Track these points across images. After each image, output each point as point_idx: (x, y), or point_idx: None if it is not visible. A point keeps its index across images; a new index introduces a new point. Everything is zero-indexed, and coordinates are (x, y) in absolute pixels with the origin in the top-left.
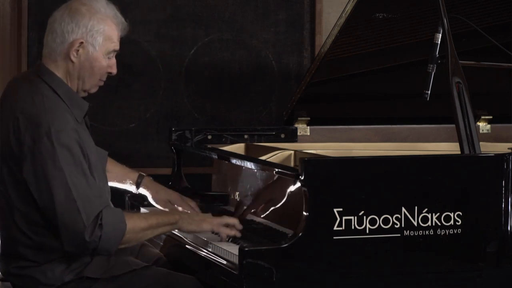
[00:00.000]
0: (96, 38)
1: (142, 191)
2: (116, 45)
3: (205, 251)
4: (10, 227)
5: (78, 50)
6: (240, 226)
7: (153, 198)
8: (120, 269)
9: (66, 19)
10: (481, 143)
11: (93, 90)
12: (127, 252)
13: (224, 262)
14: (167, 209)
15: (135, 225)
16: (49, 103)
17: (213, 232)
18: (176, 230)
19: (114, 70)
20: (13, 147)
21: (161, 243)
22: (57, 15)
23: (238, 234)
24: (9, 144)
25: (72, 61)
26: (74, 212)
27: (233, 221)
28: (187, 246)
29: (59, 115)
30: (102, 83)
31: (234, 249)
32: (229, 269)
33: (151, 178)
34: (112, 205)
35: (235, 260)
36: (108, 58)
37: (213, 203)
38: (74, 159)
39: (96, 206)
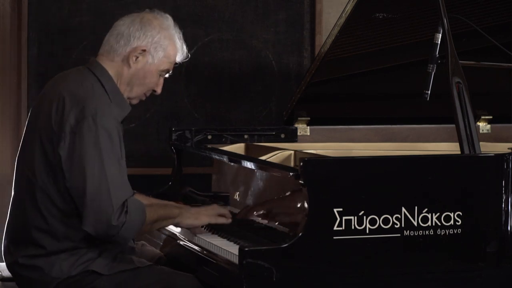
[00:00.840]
0: (158, 52)
1: None
2: (171, 66)
3: (205, 251)
4: (28, 210)
5: (138, 57)
6: (229, 215)
7: None
8: (124, 266)
9: (136, 25)
10: (481, 143)
11: (135, 102)
12: (132, 251)
13: (224, 262)
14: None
15: (149, 216)
16: (97, 93)
17: (202, 226)
18: (177, 230)
19: (159, 90)
20: (53, 125)
21: (161, 243)
22: (127, 20)
23: (229, 221)
24: (49, 123)
25: (129, 65)
26: (104, 193)
27: (224, 210)
28: (187, 245)
29: (105, 104)
30: (144, 98)
31: (234, 249)
32: (229, 269)
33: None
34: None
35: (235, 260)
36: (160, 75)
37: (213, 203)
38: (113, 144)
39: (125, 192)
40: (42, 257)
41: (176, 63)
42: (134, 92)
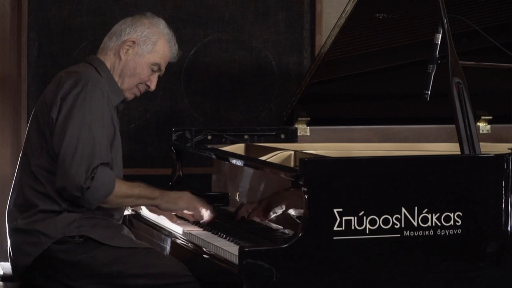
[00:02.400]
0: (147, 45)
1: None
2: (161, 61)
3: (205, 251)
4: (27, 176)
5: (128, 49)
6: (209, 219)
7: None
8: (124, 243)
9: (128, 23)
10: (481, 143)
11: (128, 95)
12: (121, 228)
13: (224, 262)
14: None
15: (120, 190)
16: (92, 73)
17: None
18: (177, 231)
19: (152, 86)
20: (47, 99)
21: (161, 243)
22: (121, 21)
23: (205, 222)
24: (43, 99)
25: (120, 57)
26: (78, 153)
27: (208, 214)
28: (187, 245)
29: (98, 81)
30: (138, 93)
31: (234, 249)
32: (229, 269)
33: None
34: (110, 168)
35: (235, 260)
36: (152, 70)
37: (213, 203)
38: (99, 112)
39: (98, 157)
40: (39, 221)
41: (169, 62)
42: (126, 84)
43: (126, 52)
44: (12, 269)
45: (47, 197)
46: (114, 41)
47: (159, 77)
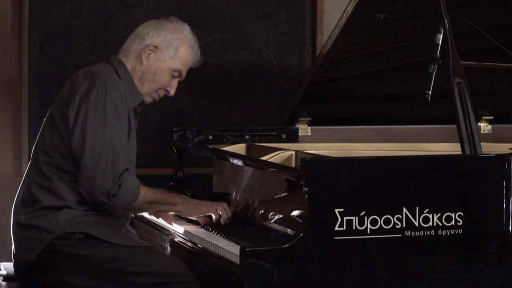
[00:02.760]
0: (170, 50)
1: None
2: (182, 67)
3: (206, 251)
4: (35, 172)
5: (150, 53)
6: (227, 215)
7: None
8: (124, 241)
9: (152, 27)
10: (482, 143)
11: (147, 99)
12: (125, 220)
13: (225, 262)
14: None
15: (145, 196)
16: (112, 74)
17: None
18: (178, 230)
19: (172, 91)
20: (65, 97)
21: (163, 243)
22: (145, 24)
23: (227, 222)
24: (61, 97)
25: (141, 61)
26: (103, 159)
27: (225, 212)
28: (188, 245)
29: (115, 80)
30: (157, 98)
31: (235, 249)
32: (230, 269)
33: None
34: (134, 173)
35: (236, 260)
36: (172, 76)
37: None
38: (118, 115)
39: (122, 163)
40: (41, 216)
41: (190, 68)
42: (145, 88)
43: (148, 57)
44: (15, 266)
45: (51, 193)
46: (136, 44)
47: (179, 82)
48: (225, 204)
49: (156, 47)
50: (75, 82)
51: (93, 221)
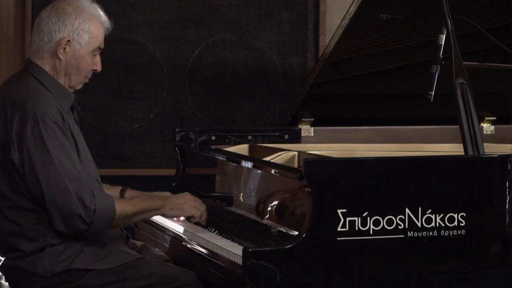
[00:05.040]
0: (82, 36)
1: None
2: (101, 43)
3: (209, 251)
4: (0, 222)
5: (65, 48)
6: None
7: None
8: (111, 262)
9: (53, 19)
10: (484, 144)
11: (79, 87)
12: (120, 240)
13: (228, 262)
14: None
15: (124, 211)
16: (34, 90)
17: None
18: (181, 231)
19: (98, 67)
20: (1, 134)
21: (165, 244)
22: (44, 15)
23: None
24: (0, 137)
25: (59, 59)
26: (64, 192)
27: (203, 214)
28: (190, 246)
29: (44, 99)
30: (87, 80)
31: (238, 249)
32: (233, 270)
33: (132, 189)
34: (103, 190)
35: (239, 260)
36: (93, 55)
37: (216, 204)
38: (60, 141)
39: (84, 186)
40: (23, 258)
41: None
42: (73, 81)
43: (64, 52)
44: None
45: (25, 238)
46: (46, 42)
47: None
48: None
49: (68, 40)
50: (6, 120)
51: (78, 250)
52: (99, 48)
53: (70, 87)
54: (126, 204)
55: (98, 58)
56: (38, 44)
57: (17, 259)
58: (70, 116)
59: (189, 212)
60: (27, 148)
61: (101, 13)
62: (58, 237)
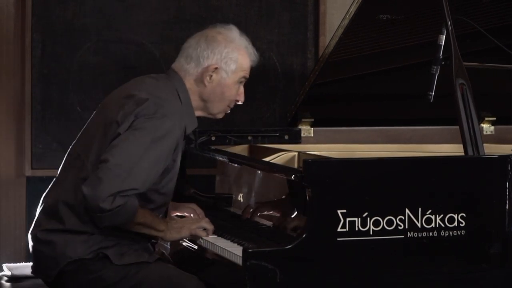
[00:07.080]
0: (230, 65)
1: None
2: (246, 73)
3: (209, 252)
4: (65, 191)
5: (211, 75)
6: (212, 228)
7: None
8: (133, 259)
9: (202, 45)
10: (484, 144)
11: (219, 116)
12: (147, 249)
13: (228, 263)
14: None
15: (136, 218)
16: (171, 93)
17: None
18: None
19: (241, 99)
20: (121, 115)
21: (166, 244)
22: (192, 41)
23: (210, 234)
24: (120, 113)
25: (204, 85)
26: (121, 172)
27: (209, 226)
28: (191, 247)
29: (174, 106)
30: (229, 110)
31: (238, 250)
32: (233, 270)
33: None
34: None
35: (239, 261)
36: (238, 86)
37: (216, 204)
38: (161, 145)
39: (135, 184)
40: (60, 232)
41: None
42: (216, 108)
43: (210, 79)
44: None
45: (76, 214)
46: (193, 67)
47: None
48: (207, 224)
49: (216, 68)
50: (137, 103)
51: (111, 244)
52: (244, 77)
53: (211, 115)
54: (139, 213)
55: (242, 89)
56: (183, 66)
57: (54, 232)
58: (182, 138)
59: (185, 235)
60: (136, 125)
61: (249, 45)
62: (102, 228)
